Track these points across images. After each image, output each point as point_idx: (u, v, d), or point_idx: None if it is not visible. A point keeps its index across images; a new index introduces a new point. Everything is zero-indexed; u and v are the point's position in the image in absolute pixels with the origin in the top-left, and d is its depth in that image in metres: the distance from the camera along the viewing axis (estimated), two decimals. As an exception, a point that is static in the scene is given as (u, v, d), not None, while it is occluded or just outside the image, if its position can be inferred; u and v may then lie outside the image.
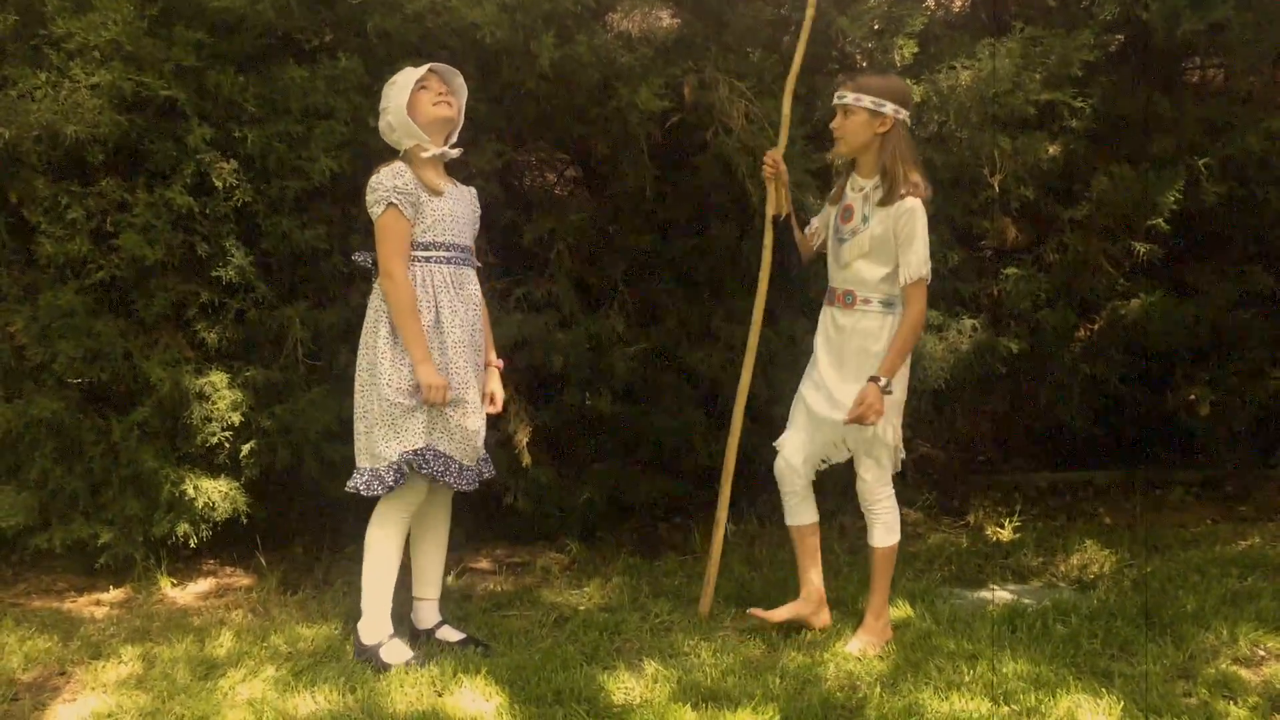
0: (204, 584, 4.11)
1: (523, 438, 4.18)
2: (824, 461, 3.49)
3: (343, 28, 3.89)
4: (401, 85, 3.23)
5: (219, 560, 4.28)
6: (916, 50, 4.17)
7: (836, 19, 4.15)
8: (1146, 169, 4.49)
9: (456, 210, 3.29)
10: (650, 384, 4.43)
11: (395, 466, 3.16)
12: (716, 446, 4.50)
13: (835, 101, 3.33)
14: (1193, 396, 4.87)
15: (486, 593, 3.99)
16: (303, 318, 3.98)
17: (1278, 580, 3.81)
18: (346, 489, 3.25)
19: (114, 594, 3.98)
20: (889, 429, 3.34)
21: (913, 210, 3.21)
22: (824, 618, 3.50)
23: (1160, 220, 4.47)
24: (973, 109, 4.19)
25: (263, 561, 4.13)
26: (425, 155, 3.25)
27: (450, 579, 4.11)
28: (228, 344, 3.95)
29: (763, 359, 4.41)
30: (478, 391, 3.33)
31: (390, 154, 3.32)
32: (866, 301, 3.33)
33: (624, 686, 3.05)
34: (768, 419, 4.48)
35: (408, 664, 3.19)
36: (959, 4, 4.87)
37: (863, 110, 3.24)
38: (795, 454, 3.48)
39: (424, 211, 3.20)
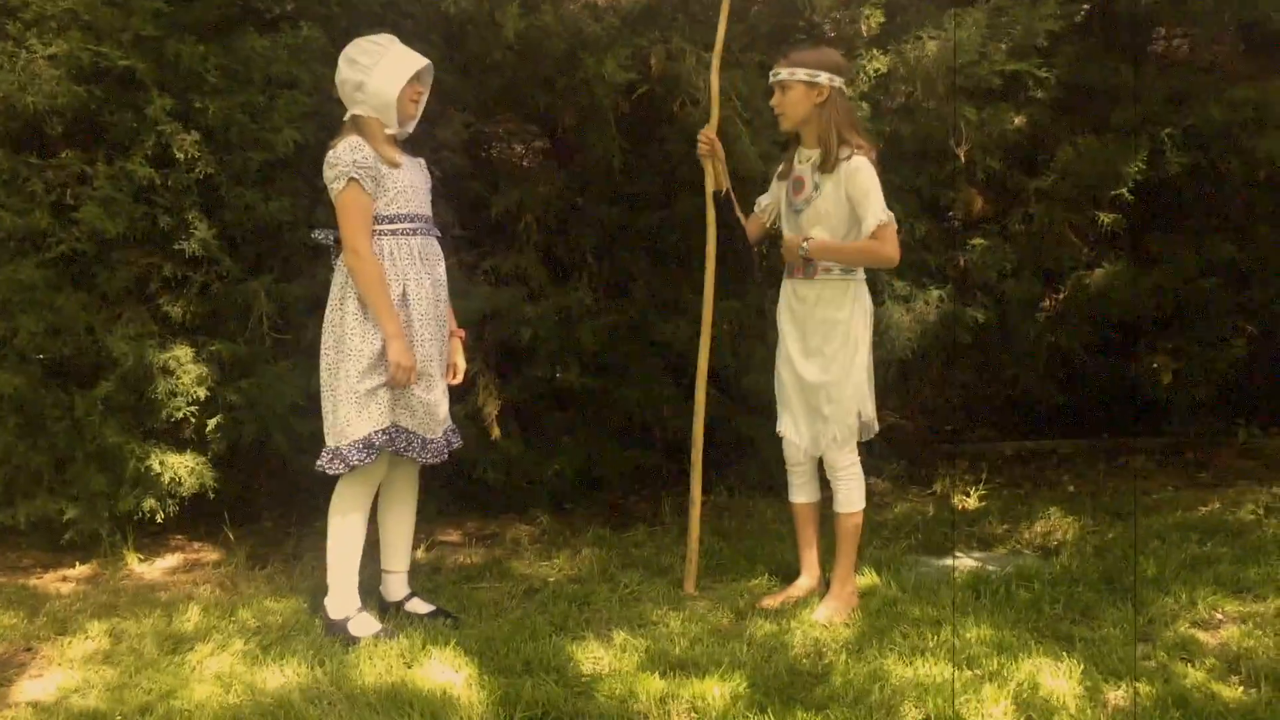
0: (171, 559, 4.09)
1: (492, 410, 4.18)
2: (815, 443, 3.46)
3: (305, -4, 3.84)
4: (399, 68, 3.16)
5: (186, 535, 4.26)
6: (884, 20, 4.17)
7: (804, -10, 4.14)
8: (1110, 139, 4.53)
9: (415, 181, 3.27)
10: (619, 356, 4.44)
11: (359, 445, 3.15)
12: (685, 418, 4.51)
13: (771, 79, 3.35)
14: (1155, 365, 4.93)
15: (456, 565, 3.99)
16: (268, 291, 3.95)
17: (1236, 545, 3.87)
18: (316, 468, 3.24)
19: (80, 570, 3.96)
20: (846, 392, 3.36)
21: (858, 167, 3.24)
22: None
23: (1124, 190, 4.51)
24: (939, 80, 4.20)
25: (230, 536, 4.11)
26: (388, 131, 3.22)
27: (420, 552, 4.11)
28: (192, 318, 3.92)
29: (731, 331, 4.44)
30: (441, 364, 3.33)
31: (339, 119, 3.28)
32: (827, 270, 3.35)
33: (593, 656, 3.07)
34: (736, 390, 4.52)
35: (376, 636, 3.20)
36: (926, -26, 4.86)
37: (798, 84, 3.28)
38: (796, 433, 3.49)
39: (385, 184, 3.17)
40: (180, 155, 3.72)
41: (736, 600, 3.49)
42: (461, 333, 3.49)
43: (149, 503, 3.87)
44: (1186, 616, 3.25)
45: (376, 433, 3.15)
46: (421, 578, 3.80)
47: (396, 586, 3.48)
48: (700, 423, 3.63)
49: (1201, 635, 3.13)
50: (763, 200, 3.62)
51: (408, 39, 3.70)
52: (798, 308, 3.42)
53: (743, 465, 4.75)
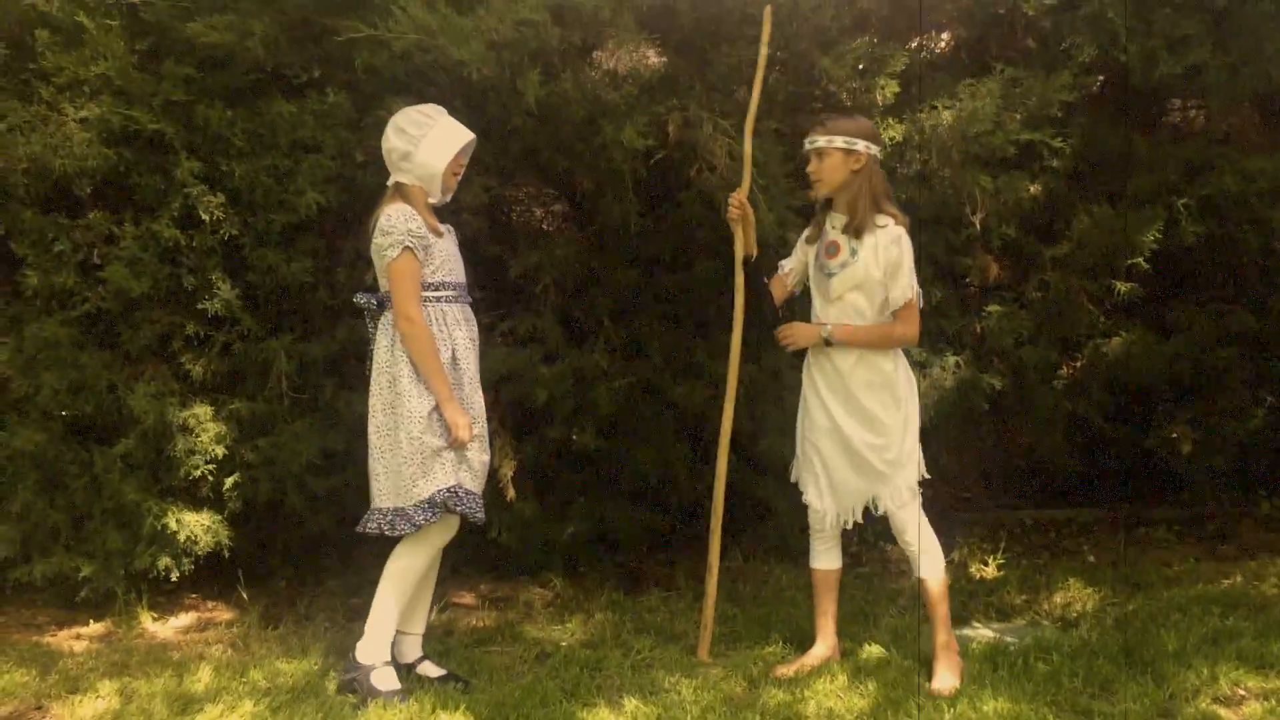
0: (185, 618, 4.09)
1: (507, 471, 4.18)
2: (854, 510, 3.47)
3: (331, 63, 3.93)
4: (447, 141, 3.27)
5: (200, 594, 4.26)
6: (899, 90, 4.23)
7: (820, 59, 4.20)
8: (1126, 208, 4.55)
9: (454, 249, 3.36)
10: (634, 418, 4.44)
11: (427, 505, 3.18)
12: (701, 481, 4.51)
13: (808, 146, 3.39)
14: (1174, 434, 4.90)
15: (468, 628, 3.97)
16: (288, 350, 3.99)
17: (1259, 620, 3.81)
18: (366, 529, 3.25)
19: (94, 628, 3.96)
20: (905, 449, 3.38)
21: (897, 238, 3.30)
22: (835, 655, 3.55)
23: (1140, 259, 4.52)
24: (954, 148, 4.23)
25: (244, 595, 4.11)
26: (432, 201, 3.31)
27: (433, 614, 4.09)
28: (213, 376, 3.96)
29: (747, 395, 4.44)
30: (486, 425, 3.40)
31: (380, 185, 3.34)
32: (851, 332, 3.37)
33: (604, 723, 3.04)
34: (753, 454, 4.51)
35: (393, 695, 3.17)
36: (941, 45, 4.93)
37: (836, 151, 3.33)
38: (821, 500, 3.49)
39: (432, 253, 3.25)
40: (206, 217, 3.79)
41: (750, 668, 3.45)
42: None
43: (164, 561, 3.88)
44: (1208, 692, 3.19)
45: (441, 492, 3.18)
46: (434, 640, 3.78)
47: (411, 648, 3.47)
48: (721, 488, 3.62)
49: (1224, 712, 3.07)
50: (786, 264, 3.63)
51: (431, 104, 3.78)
52: (833, 373, 3.41)
53: (758, 530, 4.72)
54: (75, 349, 3.80)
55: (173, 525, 3.82)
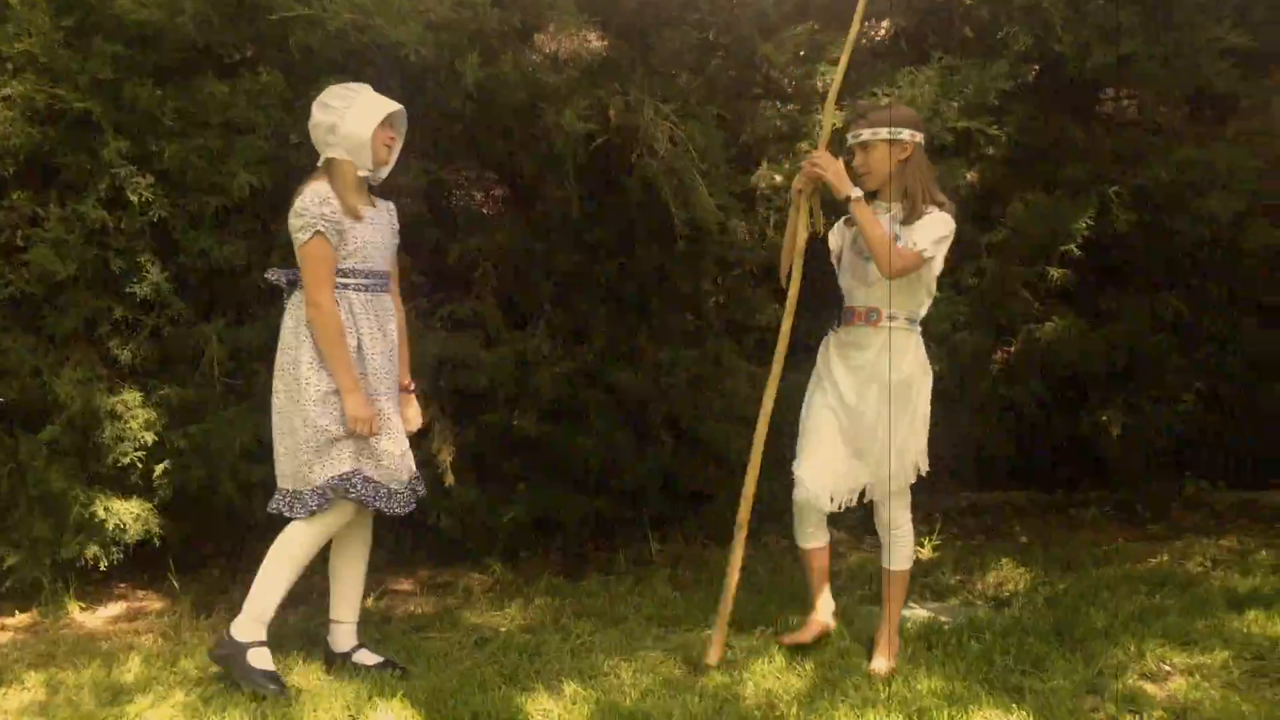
0: (114, 608, 4.01)
1: (446, 457, 4.15)
2: (851, 493, 3.41)
3: (264, 42, 3.85)
4: (372, 110, 3.17)
5: (130, 583, 4.18)
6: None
7: (761, 45, 4.21)
8: (1060, 196, 4.62)
9: (375, 236, 3.25)
10: (576, 403, 4.44)
11: (320, 491, 3.12)
12: (642, 466, 4.52)
13: (851, 141, 3.28)
14: (1105, 419, 5.00)
15: (407, 614, 3.94)
16: (220, 335, 3.92)
17: (1184, 597, 3.90)
18: (269, 509, 3.20)
19: (20, 618, 3.87)
20: (911, 445, 3.34)
21: (936, 215, 3.23)
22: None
23: (1073, 246, 4.60)
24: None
25: (175, 584, 4.04)
26: (361, 174, 3.22)
27: (370, 600, 4.06)
28: (142, 361, 3.88)
29: (689, 381, 4.46)
30: (399, 415, 3.32)
31: (310, 163, 3.28)
32: (893, 318, 3.29)
33: (542, 709, 3.03)
34: (693, 439, 4.52)
35: (266, 678, 3.12)
36: (881, 33, 4.97)
37: (881, 143, 3.23)
38: (821, 486, 3.37)
39: (346, 238, 3.16)
40: (134, 198, 3.70)
41: (689, 651, 3.46)
42: (413, 387, 3.47)
43: (92, 550, 3.80)
44: (1135, 668, 3.26)
45: (337, 478, 3.12)
46: (371, 627, 3.74)
47: (344, 638, 3.42)
48: (752, 488, 3.41)
49: (1150, 687, 3.14)
50: (831, 244, 3.51)
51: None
52: (856, 356, 3.33)
53: (700, 515, 4.74)
54: (-1, 333, 3.70)
55: (101, 513, 3.74)
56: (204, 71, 3.80)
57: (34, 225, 3.71)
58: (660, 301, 4.50)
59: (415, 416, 3.46)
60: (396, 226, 3.40)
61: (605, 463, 4.48)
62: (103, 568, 3.85)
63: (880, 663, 3.32)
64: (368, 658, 3.37)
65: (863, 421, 3.33)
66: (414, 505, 3.35)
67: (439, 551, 4.46)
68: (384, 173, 3.32)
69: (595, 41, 4.25)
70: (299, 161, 3.82)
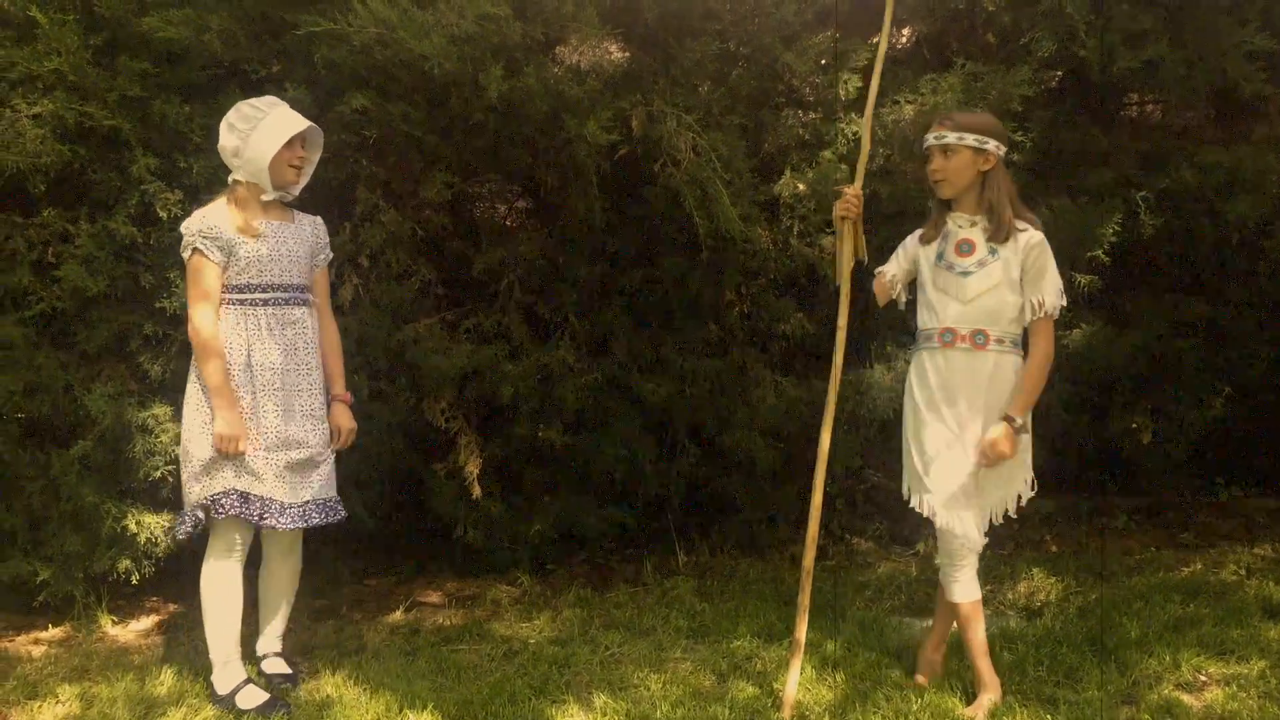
0: (146, 621, 4.03)
1: (473, 469, 4.16)
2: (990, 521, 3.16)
3: (290, 58, 3.88)
4: (274, 133, 3.18)
5: (161, 596, 4.20)
6: (861, 85, 4.24)
7: (782, 54, 4.21)
8: (1085, 202, 4.59)
9: (280, 250, 3.25)
10: (600, 414, 4.44)
11: (194, 509, 3.15)
12: (667, 476, 4.52)
13: (933, 142, 3.10)
14: (1134, 424, 4.96)
15: (435, 626, 3.95)
16: (248, 349, 3.93)
17: (1219, 606, 3.86)
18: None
19: (53, 632, 3.90)
20: (1019, 472, 3.13)
21: (1043, 243, 3.04)
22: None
23: (1100, 252, 4.56)
24: (916, 142, 4.25)
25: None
26: (265, 199, 3.25)
27: (399, 613, 4.08)
28: (171, 376, 3.89)
29: (711, 390, 4.45)
30: (308, 429, 3.27)
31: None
32: (1000, 341, 3.05)
33: (573, 720, 3.03)
34: (717, 449, 4.52)
35: (264, 708, 3.15)
36: (902, 40, 4.96)
37: (966, 149, 3.05)
38: (970, 525, 3.09)
39: (237, 254, 3.17)
40: (163, 214, 3.73)
41: (719, 662, 3.46)
42: (347, 397, 3.44)
43: (124, 563, 3.83)
44: (1170, 679, 3.23)
45: (207, 499, 3.13)
46: (400, 639, 3.76)
47: (261, 643, 3.46)
48: (817, 513, 3.20)
49: (1186, 698, 3.11)
50: (889, 269, 3.32)
51: (391, 99, 3.75)
52: (964, 383, 3.07)
53: (725, 525, 4.73)
54: (30, 349, 3.74)
55: (132, 527, 3.77)
56: (231, 88, 3.83)
57: (65, 242, 3.75)
58: (684, 311, 4.49)
59: (342, 429, 3.40)
60: (322, 241, 3.44)
61: (630, 473, 4.48)
62: (134, 581, 3.88)
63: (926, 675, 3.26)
64: (272, 665, 3.41)
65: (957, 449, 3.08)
66: (321, 521, 3.27)
67: (466, 563, 4.47)
68: (295, 190, 3.34)
69: (617, 53, 4.25)
70: (325, 176, 3.85)
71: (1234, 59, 4.48)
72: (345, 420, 3.41)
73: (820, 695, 3.17)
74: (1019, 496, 3.16)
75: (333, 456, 3.37)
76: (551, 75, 3.91)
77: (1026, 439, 3.12)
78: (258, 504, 3.15)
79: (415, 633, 3.87)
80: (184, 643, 3.75)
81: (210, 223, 3.15)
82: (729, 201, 3.99)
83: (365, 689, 3.27)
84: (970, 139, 3.04)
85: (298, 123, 3.22)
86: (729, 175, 4.02)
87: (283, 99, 3.77)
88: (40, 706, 3.20)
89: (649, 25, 4.15)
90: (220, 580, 3.22)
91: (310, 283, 3.36)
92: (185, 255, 3.18)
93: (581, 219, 4.22)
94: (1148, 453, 5.03)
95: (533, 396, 4.25)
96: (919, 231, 3.25)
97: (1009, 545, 4.92)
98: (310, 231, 3.39)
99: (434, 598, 4.30)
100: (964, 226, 3.11)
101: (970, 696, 3.11)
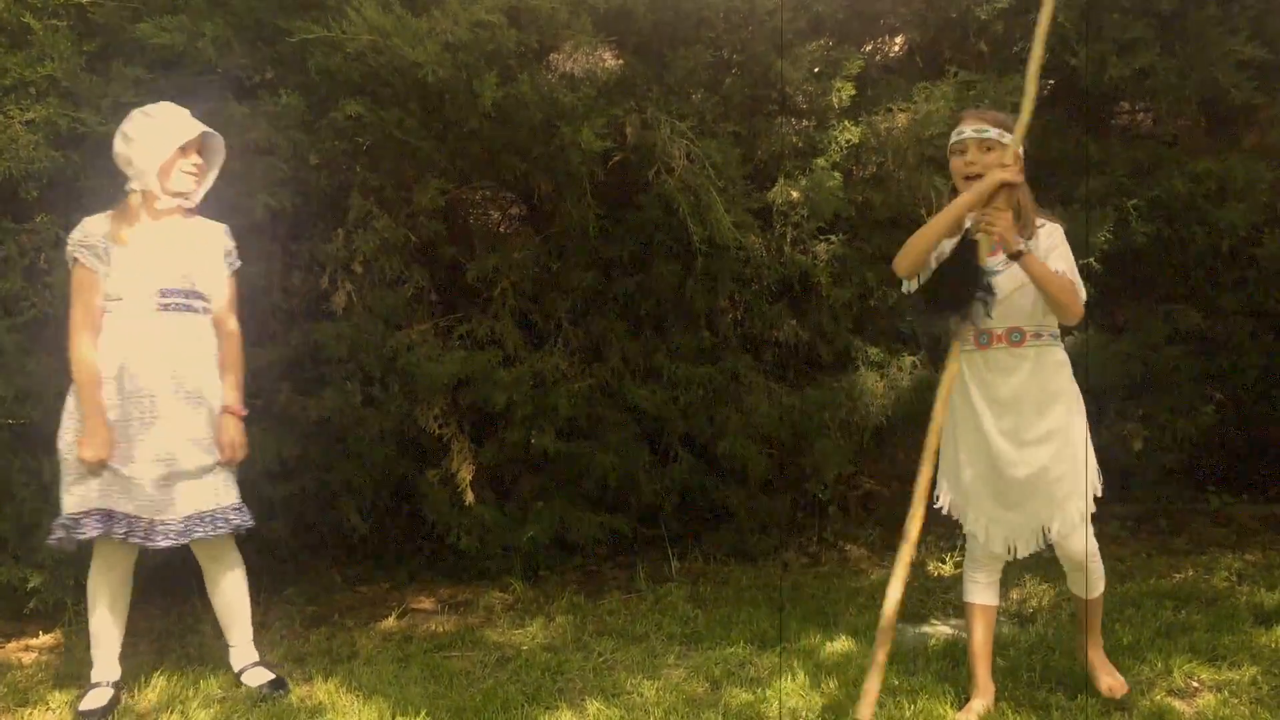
0: (138, 627, 4.01)
1: (465, 476, 4.16)
2: (1027, 543, 3.06)
3: (284, 65, 3.88)
4: (163, 141, 3.16)
5: (153, 604, 4.18)
6: (854, 93, 4.26)
7: (776, 62, 4.23)
8: (1077, 210, 4.61)
9: (162, 257, 3.20)
10: (594, 421, 4.44)
11: (60, 524, 3.13)
12: (660, 483, 4.52)
13: (973, 136, 2.98)
14: (1125, 432, 4.97)
15: (428, 633, 3.94)
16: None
17: (1210, 612, 3.87)
18: None
19: (44, 639, 3.88)
20: (1082, 468, 3.01)
21: (1060, 233, 2.98)
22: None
23: (1092, 260, 4.58)
24: (909, 150, 4.27)
25: (198, 603, 4.04)
26: (159, 207, 3.23)
27: (392, 619, 4.07)
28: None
29: (705, 398, 4.45)
30: (184, 442, 3.17)
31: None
32: (1038, 335, 3.00)
33: (566, 727, 3.03)
34: (711, 455, 4.52)
35: (88, 714, 3.14)
36: (895, 48, 4.98)
37: (1002, 146, 2.95)
38: (990, 532, 3.07)
39: (114, 262, 3.15)
40: (156, 220, 3.72)
41: (712, 669, 3.45)
42: (236, 409, 3.30)
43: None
44: (1162, 685, 3.23)
45: (67, 517, 3.11)
46: (393, 646, 3.75)
47: (234, 657, 3.43)
48: (921, 507, 2.94)
49: (1178, 704, 3.12)
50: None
51: (385, 106, 3.76)
52: (1003, 386, 2.99)
53: (718, 532, 4.73)
54: (22, 355, 3.73)
55: (124, 534, 3.75)
56: (224, 94, 3.83)
57: (57, 248, 3.73)
58: (677, 318, 4.50)
59: (229, 442, 3.25)
60: (222, 248, 3.37)
61: (623, 480, 4.48)
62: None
63: (1114, 680, 3.15)
64: (255, 677, 3.37)
65: (1021, 459, 2.99)
66: (186, 539, 3.17)
67: (459, 570, 4.47)
68: (196, 198, 3.32)
69: (611, 60, 4.27)
70: (319, 183, 3.86)
71: (1224, 68, 4.51)
72: (230, 433, 3.26)
73: (814, 701, 3.17)
74: (1078, 511, 3.00)
75: (223, 468, 3.24)
76: (545, 82, 3.92)
77: (1087, 453, 3.01)
78: (124, 522, 3.10)
79: (408, 639, 3.86)
80: (175, 649, 3.74)
81: (88, 230, 3.16)
82: (722, 208, 4.00)
83: (358, 695, 3.26)
84: (1009, 137, 2.96)
85: (190, 129, 3.19)
86: (722, 182, 4.04)
87: (276, 106, 3.79)
88: (31, 714, 3.19)
89: (643, 33, 4.16)
90: (99, 592, 3.23)
91: (205, 290, 3.28)
92: (70, 267, 3.18)
93: (575, 226, 4.23)
94: (1139, 460, 5.04)
95: (526, 403, 4.25)
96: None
97: (1001, 552, 4.92)
98: (205, 239, 3.32)
99: (427, 604, 4.29)
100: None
101: (963, 701, 3.11)
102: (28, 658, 3.71)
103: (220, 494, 3.23)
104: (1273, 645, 3.51)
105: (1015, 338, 2.99)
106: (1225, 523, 5.25)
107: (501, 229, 4.79)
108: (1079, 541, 3.02)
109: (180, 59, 3.77)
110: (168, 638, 3.90)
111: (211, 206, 3.80)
